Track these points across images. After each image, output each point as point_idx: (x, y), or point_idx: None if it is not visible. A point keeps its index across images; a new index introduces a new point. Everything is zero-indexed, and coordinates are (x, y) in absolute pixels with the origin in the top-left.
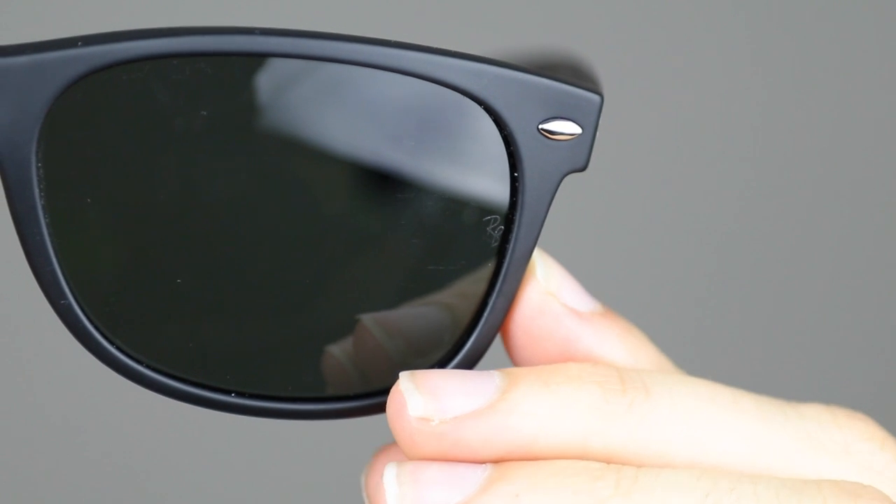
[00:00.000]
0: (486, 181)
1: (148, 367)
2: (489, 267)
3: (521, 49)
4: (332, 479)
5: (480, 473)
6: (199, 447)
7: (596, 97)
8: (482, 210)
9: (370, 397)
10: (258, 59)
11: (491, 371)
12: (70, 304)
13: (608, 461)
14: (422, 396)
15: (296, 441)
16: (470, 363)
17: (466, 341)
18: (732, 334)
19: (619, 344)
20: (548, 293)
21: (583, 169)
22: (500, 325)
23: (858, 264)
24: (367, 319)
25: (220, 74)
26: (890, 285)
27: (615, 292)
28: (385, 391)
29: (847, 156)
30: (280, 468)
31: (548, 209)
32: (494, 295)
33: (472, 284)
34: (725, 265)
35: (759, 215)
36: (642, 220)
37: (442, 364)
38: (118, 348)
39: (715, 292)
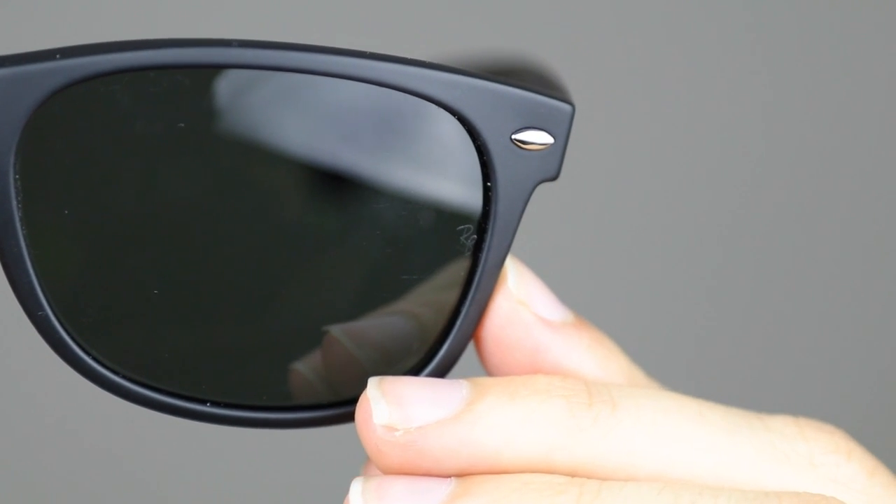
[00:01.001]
0: (459, 191)
1: (124, 377)
2: (462, 276)
3: (481, 55)
4: (319, 486)
5: (445, 488)
6: (188, 451)
7: (567, 107)
8: (455, 219)
9: (344, 405)
10: (236, 70)
11: (459, 380)
12: (47, 316)
13: (573, 475)
14: (388, 405)
15: (281, 447)
16: (442, 371)
17: (439, 350)
18: (710, 340)
19: (588, 355)
20: (519, 302)
21: (554, 178)
22: (473, 333)
23: (841, 281)
24: (340, 329)
25: (197, 86)
26: (886, 288)
27: (586, 299)
28: (355, 400)
29: (829, 172)
30: (265, 473)
31: (520, 217)
32: (467, 303)
33: (444, 293)
34: (703, 269)
35: (740, 220)
36: (612, 227)
37: (415, 372)
38: (94, 359)
39: (692, 296)
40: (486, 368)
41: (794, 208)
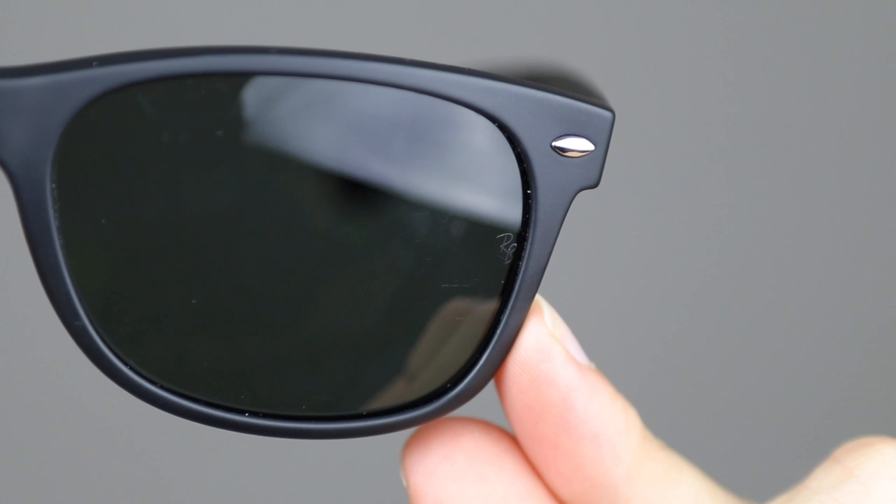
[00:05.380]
0: (500, 198)
1: (162, 387)
2: (502, 284)
3: (511, 62)
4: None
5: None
6: (214, 460)
7: (608, 114)
8: (495, 227)
9: (380, 416)
10: (274, 78)
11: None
12: (84, 325)
13: None
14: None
15: (311, 457)
16: (483, 381)
17: (479, 359)
18: (710, 343)
19: (610, 405)
20: (552, 335)
21: (595, 185)
22: (515, 339)
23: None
24: (378, 339)
25: (235, 94)
26: (885, 288)
27: (627, 303)
28: (395, 410)
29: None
30: (294, 481)
31: (560, 225)
32: (507, 312)
33: (485, 301)
34: (729, 279)
35: (762, 222)
36: (648, 234)
37: (455, 379)
38: (132, 369)
39: (691, 301)
40: (504, 403)
41: (803, 214)
